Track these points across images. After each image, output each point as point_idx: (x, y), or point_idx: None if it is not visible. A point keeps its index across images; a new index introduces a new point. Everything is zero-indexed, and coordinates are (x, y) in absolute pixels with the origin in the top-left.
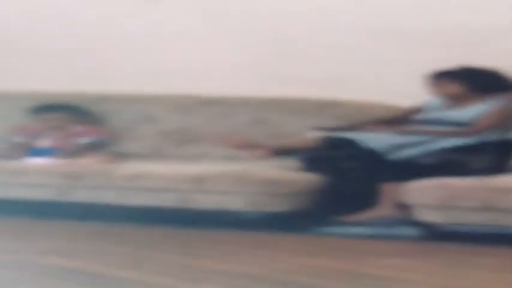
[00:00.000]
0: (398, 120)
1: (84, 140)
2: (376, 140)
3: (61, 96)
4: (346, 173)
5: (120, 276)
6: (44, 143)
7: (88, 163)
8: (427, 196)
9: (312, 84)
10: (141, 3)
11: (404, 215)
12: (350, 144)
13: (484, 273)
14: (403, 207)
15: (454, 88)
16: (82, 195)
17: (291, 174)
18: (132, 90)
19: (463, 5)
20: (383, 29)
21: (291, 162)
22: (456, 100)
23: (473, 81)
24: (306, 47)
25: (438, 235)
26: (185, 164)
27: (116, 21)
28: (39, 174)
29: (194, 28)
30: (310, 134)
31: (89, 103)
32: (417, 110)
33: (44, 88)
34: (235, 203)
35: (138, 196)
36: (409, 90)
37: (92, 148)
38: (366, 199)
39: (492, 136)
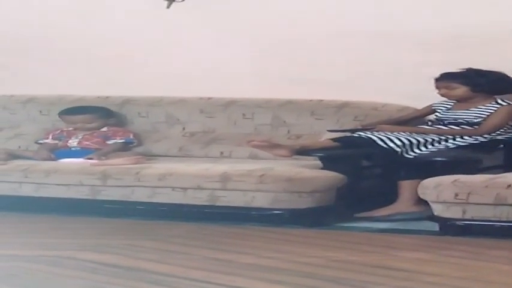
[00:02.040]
0: (412, 120)
1: (113, 140)
2: (392, 139)
3: (88, 100)
4: (364, 171)
5: (153, 270)
6: (73, 144)
7: (118, 163)
8: (443, 192)
9: (329, 86)
10: (164, 10)
11: (422, 211)
12: (368, 143)
13: (499, 265)
14: (421, 203)
15: (460, 90)
16: (114, 194)
17: (313, 172)
18: (157, 93)
19: (474, 5)
20: (396, 32)
21: (312, 161)
22: (464, 101)
23: (478, 83)
24: (323, 50)
25: (454, 229)
26: (211, 164)
27: (140, 28)
28: (72, 174)
29: (215, 34)
30: (327, 134)
31: (115, 106)
32: (429, 111)
33: (72, 92)
34: (260, 200)
35: (167, 194)
36: (421, 92)
37: (121, 149)
38: (385, 196)
39: (504, 135)
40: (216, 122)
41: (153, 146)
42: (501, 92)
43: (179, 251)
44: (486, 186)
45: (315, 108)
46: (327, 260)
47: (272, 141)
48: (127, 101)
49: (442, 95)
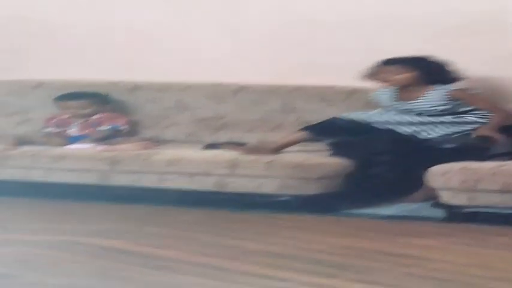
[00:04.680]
0: None
1: (102, 127)
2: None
3: (98, 85)
4: (371, 157)
5: (162, 256)
6: (73, 131)
7: (128, 149)
8: (451, 180)
9: (339, 72)
10: None
11: (429, 198)
12: (373, 129)
13: (505, 252)
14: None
15: (408, 76)
16: (123, 179)
17: (320, 159)
18: (166, 79)
19: None
20: (409, 17)
21: (320, 147)
22: (404, 89)
23: (426, 71)
24: (334, 36)
25: (461, 216)
26: (219, 150)
27: (150, 13)
28: (81, 159)
29: (225, 19)
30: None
31: (125, 92)
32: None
33: (79, 77)
34: (268, 186)
35: (176, 180)
36: None
37: (109, 136)
38: (393, 183)
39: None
40: (225, 108)
41: (163, 131)
42: (441, 81)
43: (187, 237)
44: (494, 174)
45: (325, 94)
46: (333, 246)
47: (249, 147)
48: (137, 87)
49: (380, 81)
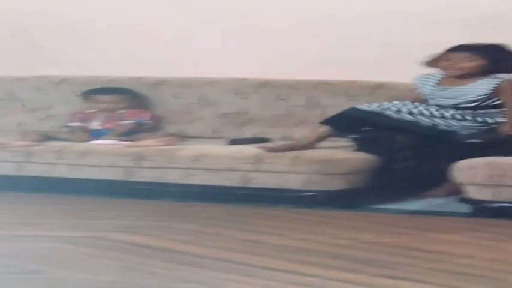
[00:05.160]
0: None
1: (127, 121)
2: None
3: (121, 81)
4: (397, 153)
5: (186, 251)
6: (95, 125)
7: (151, 144)
8: (476, 174)
9: (363, 67)
10: None
11: (455, 193)
12: (400, 124)
13: None
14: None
15: (476, 63)
16: (148, 175)
17: (345, 154)
18: (190, 74)
19: None
20: (432, 12)
21: (346, 143)
22: (464, 77)
23: (494, 60)
24: (358, 31)
25: (487, 211)
26: (244, 145)
27: (171, 9)
28: (105, 155)
29: (247, 14)
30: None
31: (148, 87)
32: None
33: (104, 74)
34: (292, 182)
35: (201, 176)
36: None
37: (134, 129)
38: (419, 178)
39: None
40: (249, 103)
41: (187, 127)
42: (505, 71)
43: (212, 233)
44: None
45: (349, 89)
46: (358, 241)
47: (278, 146)
48: (160, 82)
49: (442, 68)
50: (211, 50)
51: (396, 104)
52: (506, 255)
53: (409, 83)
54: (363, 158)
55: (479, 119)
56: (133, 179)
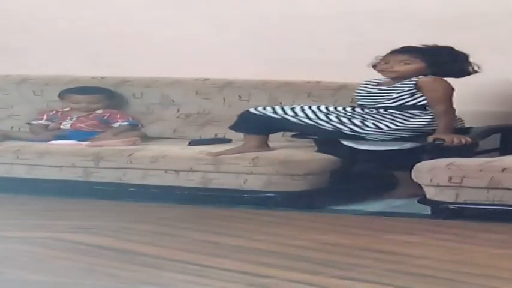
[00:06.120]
0: None
1: (118, 123)
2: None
3: (83, 81)
4: (355, 155)
5: (145, 252)
6: (66, 126)
7: (114, 144)
8: (437, 176)
9: (327, 68)
10: None
11: (415, 194)
12: (301, 128)
13: (490, 249)
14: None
15: (412, 67)
16: (106, 176)
17: (306, 155)
18: (153, 74)
19: None
20: (397, 12)
21: (306, 144)
22: (399, 79)
23: (435, 62)
24: (322, 31)
25: (447, 213)
26: (204, 146)
27: (136, 8)
28: (64, 155)
29: (212, 14)
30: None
31: (110, 87)
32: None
33: (66, 73)
34: (252, 183)
35: (160, 176)
36: None
37: (125, 131)
38: (379, 180)
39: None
40: (211, 104)
41: (148, 127)
42: (453, 75)
43: (171, 234)
44: (481, 170)
45: (312, 90)
46: (317, 242)
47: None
48: (122, 82)
49: (379, 71)
50: (174, 50)
51: (295, 108)
52: (465, 257)
53: None
54: (324, 158)
55: (399, 121)
56: (93, 179)
